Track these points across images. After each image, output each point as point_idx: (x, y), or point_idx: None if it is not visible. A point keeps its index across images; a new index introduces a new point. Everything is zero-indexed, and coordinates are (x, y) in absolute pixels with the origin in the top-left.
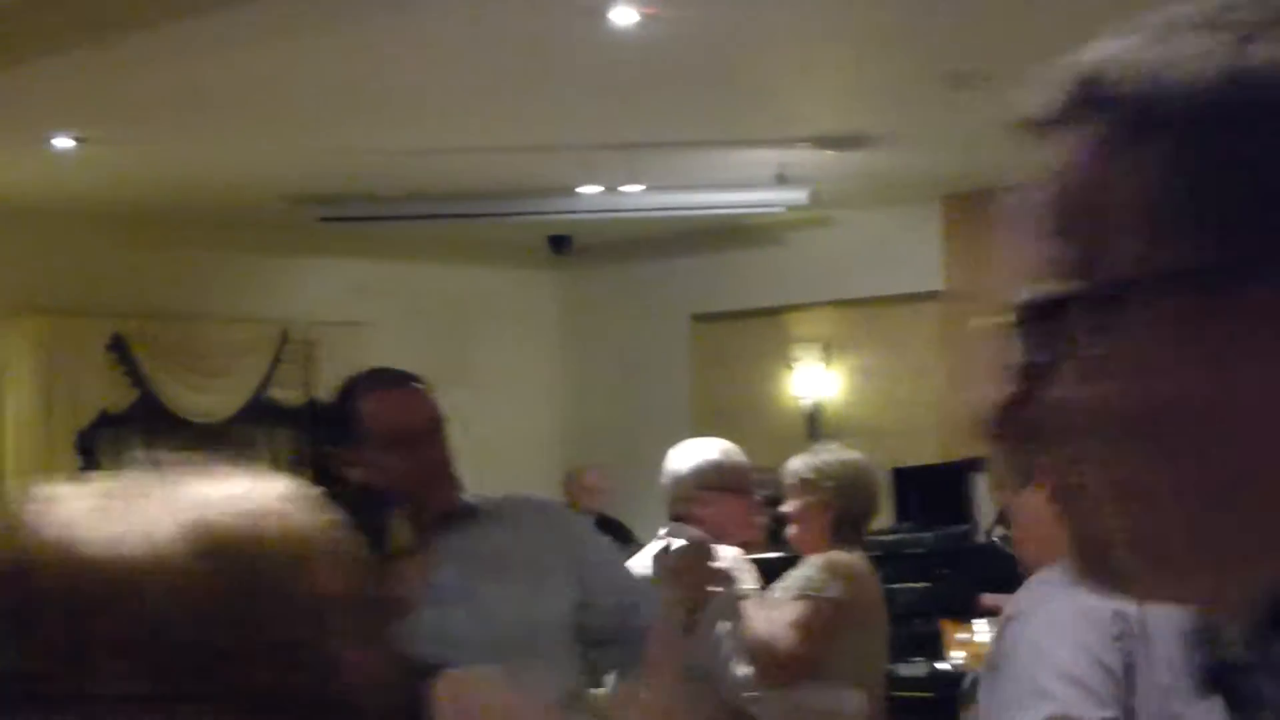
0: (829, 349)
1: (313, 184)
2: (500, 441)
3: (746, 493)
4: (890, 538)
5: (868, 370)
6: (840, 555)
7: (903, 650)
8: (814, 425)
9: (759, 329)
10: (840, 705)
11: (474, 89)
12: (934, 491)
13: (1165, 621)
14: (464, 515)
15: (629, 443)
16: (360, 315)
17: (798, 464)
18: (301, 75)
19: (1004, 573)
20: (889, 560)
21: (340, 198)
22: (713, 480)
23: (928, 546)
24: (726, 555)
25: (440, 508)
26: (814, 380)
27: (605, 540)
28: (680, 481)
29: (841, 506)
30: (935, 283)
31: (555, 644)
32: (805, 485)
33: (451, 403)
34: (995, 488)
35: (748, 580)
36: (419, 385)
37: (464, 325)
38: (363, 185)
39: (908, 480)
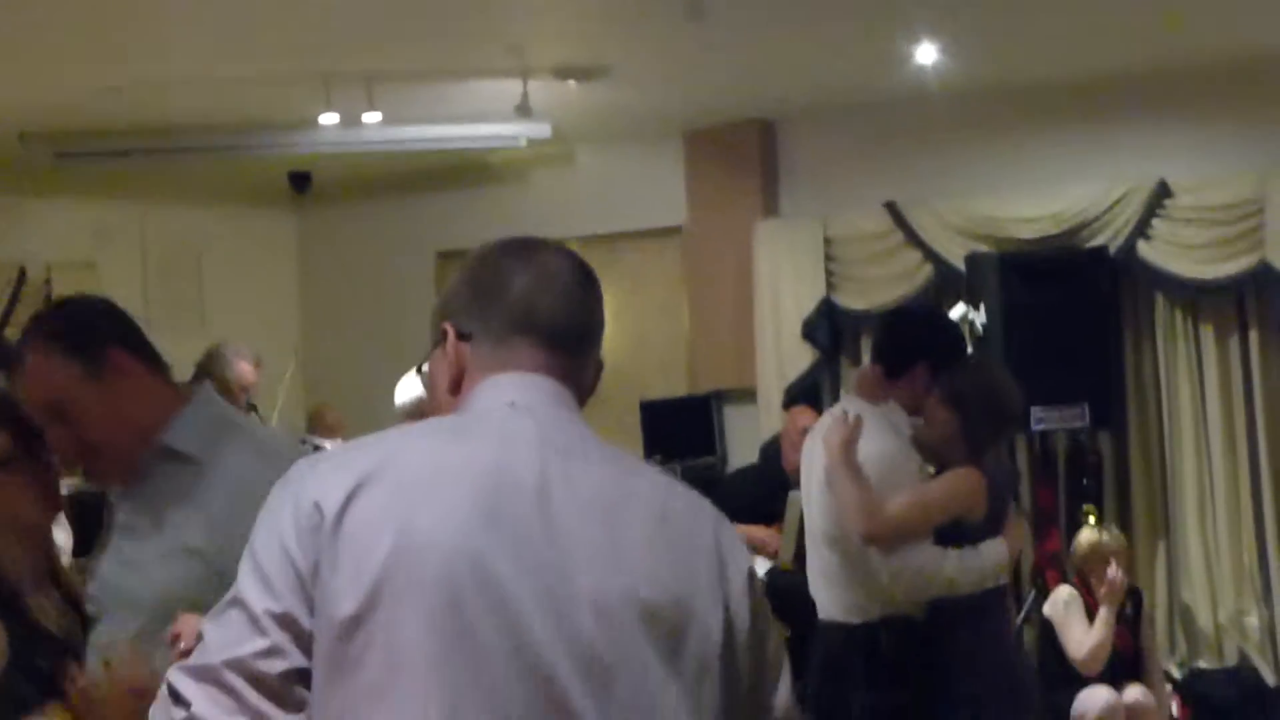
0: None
1: (47, 122)
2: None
3: None
4: None
5: (613, 306)
6: None
7: None
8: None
9: None
10: None
11: (210, 18)
12: (681, 424)
13: None
14: (164, 458)
15: (375, 383)
16: (97, 256)
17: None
18: (34, 8)
19: (753, 501)
20: None
21: (76, 135)
22: (419, 411)
23: (676, 478)
24: None
25: (109, 472)
26: None
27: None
28: (397, 415)
29: None
30: (678, 218)
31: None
32: None
33: (191, 345)
34: None
35: None
36: (37, 355)
37: (202, 265)
38: (98, 123)
39: (655, 414)
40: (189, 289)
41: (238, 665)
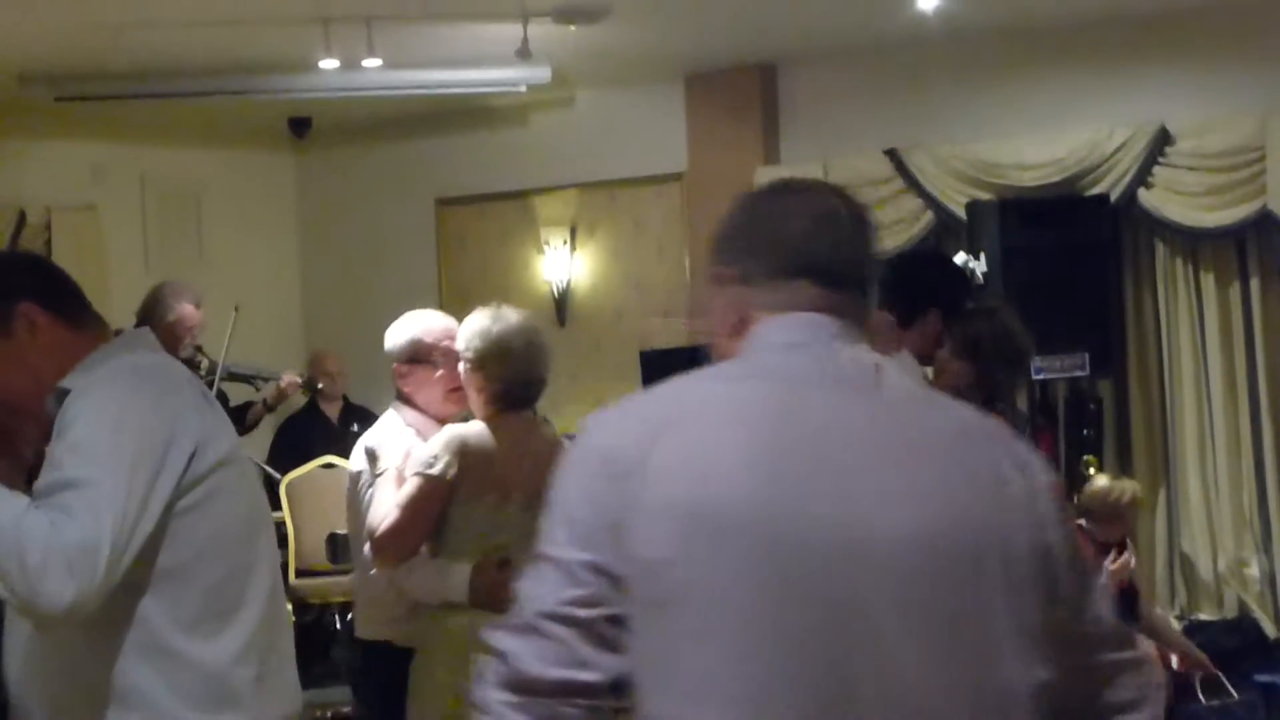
0: (574, 232)
1: (47, 63)
2: (241, 328)
3: (436, 365)
4: None
5: (613, 253)
6: (458, 428)
7: None
8: (562, 309)
9: (505, 212)
10: (443, 579)
11: None
12: (681, 372)
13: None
14: (57, 401)
15: (375, 329)
16: (96, 198)
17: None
18: None
19: None
20: None
21: (75, 77)
22: (405, 354)
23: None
24: (416, 429)
25: (27, 431)
26: (561, 264)
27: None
28: (387, 358)
29: (490, 374)
30: (679, 164)
31: None
32: (462, 356)
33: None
34: None
35: (413, 455)
36: None
37: (202, 209)
38: (98, 63)
39: (654, 362)
40: (188, 232)
41: (555, 615)
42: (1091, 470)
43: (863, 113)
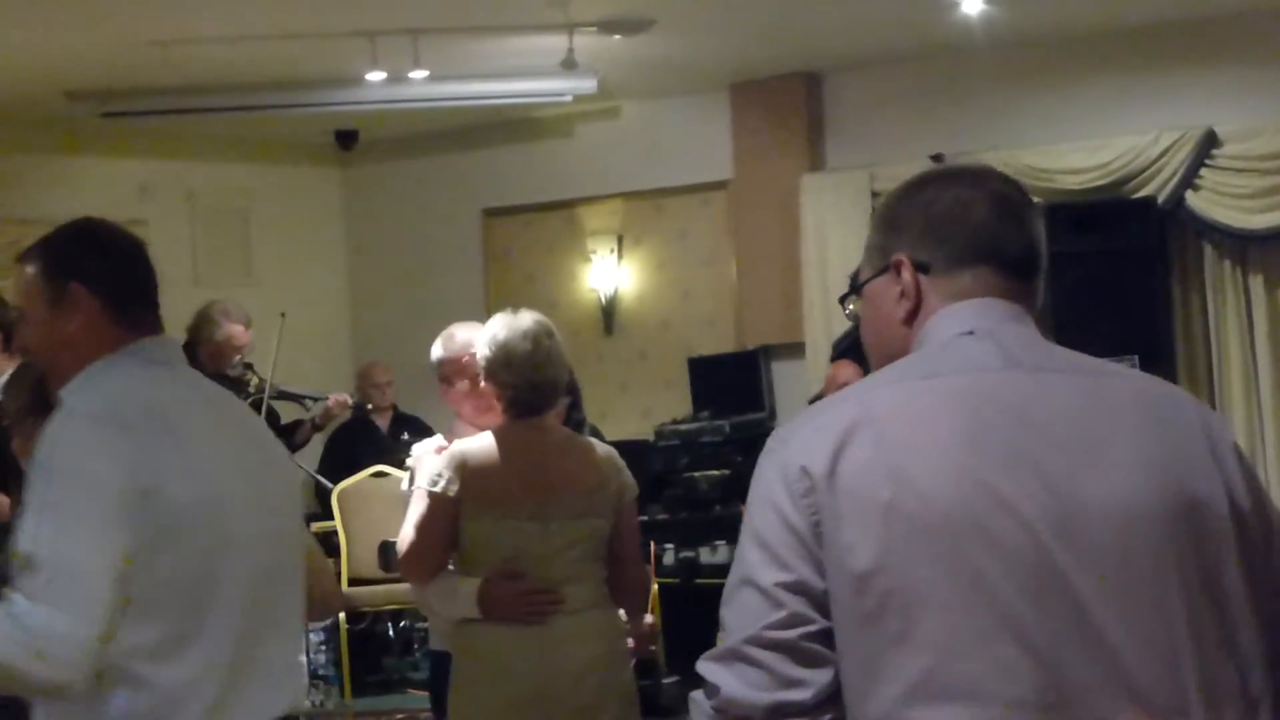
0: (621, 241)
1: (94, 80)
2: (289, 341)
3: (462, 380)
4: (688, 427)
5: (660, 262)
6: (462, 444)
7: (704, 536)
8: (609, 318)
9: (552, 222)
10: (454, 595)
11: None
12: (729, 380)
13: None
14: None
15: (423, 340)
16: (144, 214)
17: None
18: None
19: None
20: (687, 449)
21: (123, 93)
22: (437, 374)
23: (724, 435)
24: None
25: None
26: (608, 273)
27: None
28: (431, 370)
29: (500, 381)
30: (724, 172)
31: None
32: (481, 359)
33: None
34: None
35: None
36: (25, 266)
37: (250, 223)
38: (146, 80)
39: (702, 370)
40: (236, 247)
41: (759, 640)
42: None
43: (908, 120)
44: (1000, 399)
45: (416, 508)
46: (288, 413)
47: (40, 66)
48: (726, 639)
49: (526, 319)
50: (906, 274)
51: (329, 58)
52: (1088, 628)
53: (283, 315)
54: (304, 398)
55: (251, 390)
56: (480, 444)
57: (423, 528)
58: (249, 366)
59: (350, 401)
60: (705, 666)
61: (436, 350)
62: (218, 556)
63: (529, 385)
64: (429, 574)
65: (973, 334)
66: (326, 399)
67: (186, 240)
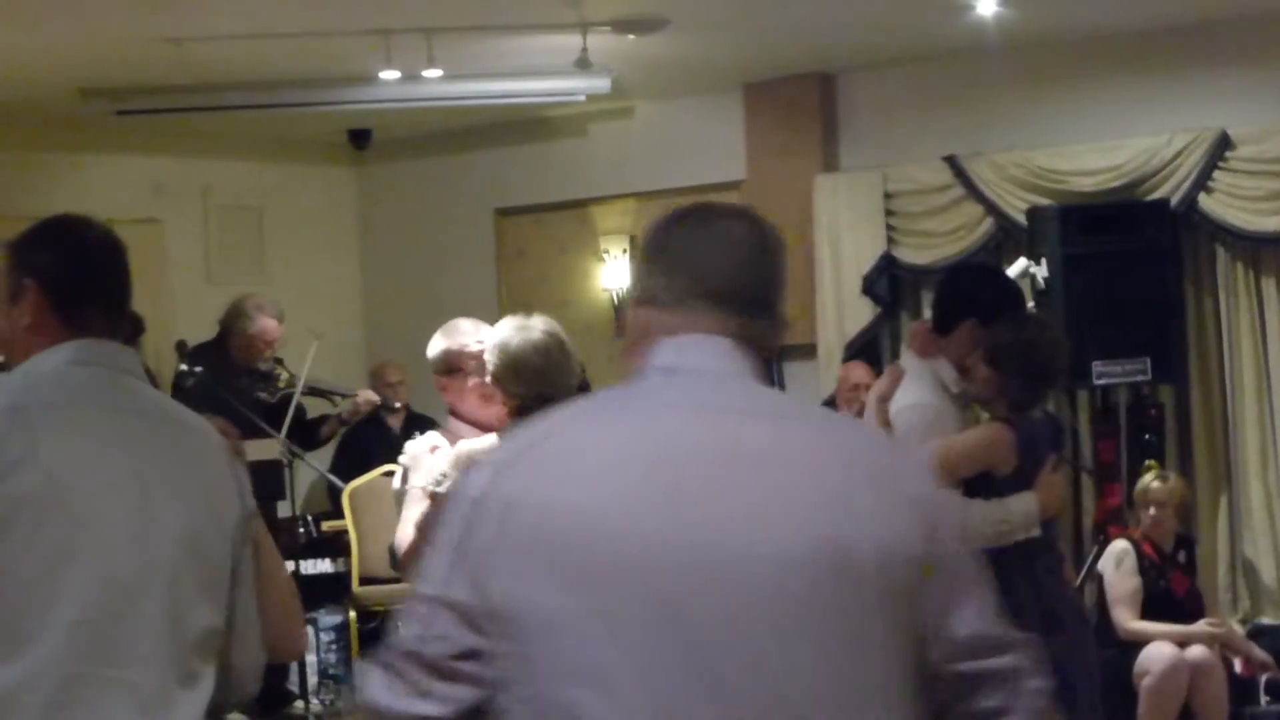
0: (634, 241)
1: (108, 77)
2: (303, 338)
3: (468, 372)
4: None
5: None
6: (468, 445)
7: None
8: (621, 318)
9: (565, 222)
10: None
11: None
12: None
13: None
14: None
15: None
16: (158, 212)
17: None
18: None
19: None
20: None
21: (137, 91)
22: (441, 366)
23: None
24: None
25: None
26: (621, 273)
27: None
28: (429, 368)
29: (507, 389)
30: (738, 173)
31: None
32: (488, 362)
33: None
34: None
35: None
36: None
37: (264, 221)
38: (159, 77)
39: None
40: (250, 244)
41: (405, 650)
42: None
43: (921, 120)
44: (678, 438)
45: (417, 507)
46: (313, 408)
47: (54, 64)
48: (386, 645)
49: (538, 329)
50: (640, 308)
51: (343, 56)
52: (756, 667)
53: (318, 338)
54: (334, 393)
55: (281, 385)
56: (485, 446)
57: (424, 528)
58: (279, 362)
59: (378, 400)
60: (362, 666)
61: (441, 342)
62: (61, 564)
63: (536, 395)
64: None
65: (671, 370)
66: (355, 395)
67: (200, 238)
